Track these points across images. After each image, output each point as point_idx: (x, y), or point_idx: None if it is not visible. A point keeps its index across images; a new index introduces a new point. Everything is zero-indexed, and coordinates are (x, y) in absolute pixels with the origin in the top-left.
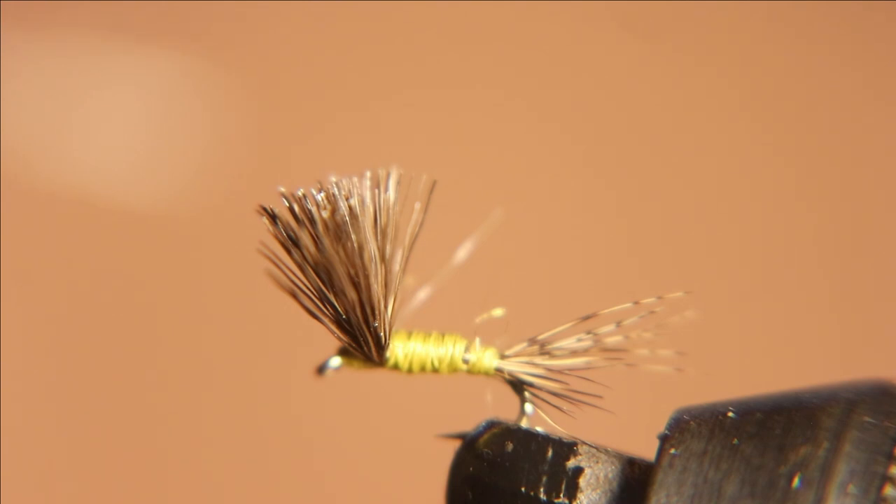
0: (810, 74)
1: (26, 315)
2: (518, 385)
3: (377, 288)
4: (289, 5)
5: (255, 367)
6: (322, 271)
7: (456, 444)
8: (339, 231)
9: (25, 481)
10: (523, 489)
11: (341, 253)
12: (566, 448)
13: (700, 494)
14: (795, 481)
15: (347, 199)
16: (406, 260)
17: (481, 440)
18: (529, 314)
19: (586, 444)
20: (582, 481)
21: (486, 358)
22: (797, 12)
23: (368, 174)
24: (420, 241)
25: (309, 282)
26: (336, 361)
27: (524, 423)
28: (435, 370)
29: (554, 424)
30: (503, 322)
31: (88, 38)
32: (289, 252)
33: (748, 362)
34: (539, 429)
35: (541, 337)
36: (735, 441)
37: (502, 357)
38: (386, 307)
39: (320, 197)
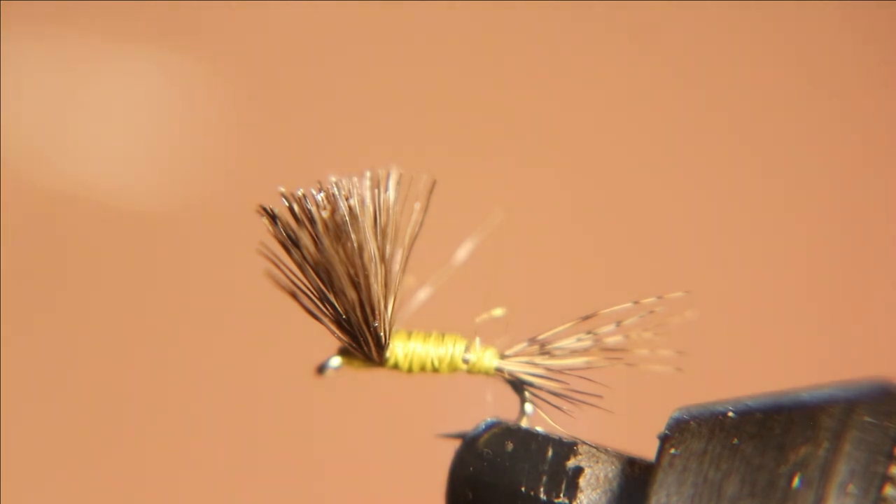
0: (808, 74)
1: (26, 314)
2: (518, 385)
3: (377, 288)
4: (287, 4)
5: (254, 366)
6: (322, 271)
7: (456, 444)
8: (339, 231)
9: (25, 481)
10: (523, 489)
11: (341, 253)
12: (566, 448)
13: (700, 494)
14: (795, 481)
15: (347, 199)
16: (406, 260)
17: (481, 440)
18: (529, 314)
19: (586, 444)
20: (582, 481)
21: (486, 358)
22: (796, 12)
23: (368, 174)
24: (420, 241)
25: (309, 282)
26: (336, 361)
27: (524, 423)
28: (435, 370)
29: (554, 424)
30: (503, 322)
31: (86, 38)
32: (288, 252)
33: (748, 362)
34: (539, 429)
35: (541, 337)
36: (735, 441)
37: (502, 357)
38: (386, 307)
39: (320, 197)
